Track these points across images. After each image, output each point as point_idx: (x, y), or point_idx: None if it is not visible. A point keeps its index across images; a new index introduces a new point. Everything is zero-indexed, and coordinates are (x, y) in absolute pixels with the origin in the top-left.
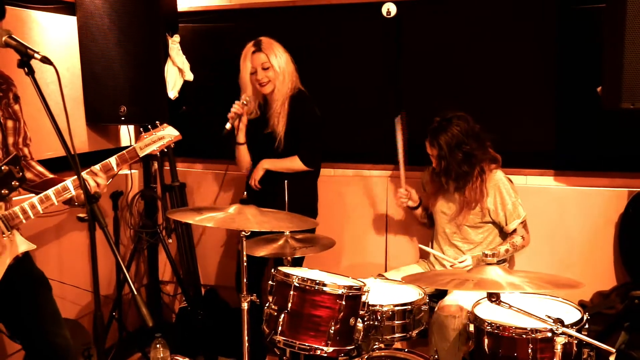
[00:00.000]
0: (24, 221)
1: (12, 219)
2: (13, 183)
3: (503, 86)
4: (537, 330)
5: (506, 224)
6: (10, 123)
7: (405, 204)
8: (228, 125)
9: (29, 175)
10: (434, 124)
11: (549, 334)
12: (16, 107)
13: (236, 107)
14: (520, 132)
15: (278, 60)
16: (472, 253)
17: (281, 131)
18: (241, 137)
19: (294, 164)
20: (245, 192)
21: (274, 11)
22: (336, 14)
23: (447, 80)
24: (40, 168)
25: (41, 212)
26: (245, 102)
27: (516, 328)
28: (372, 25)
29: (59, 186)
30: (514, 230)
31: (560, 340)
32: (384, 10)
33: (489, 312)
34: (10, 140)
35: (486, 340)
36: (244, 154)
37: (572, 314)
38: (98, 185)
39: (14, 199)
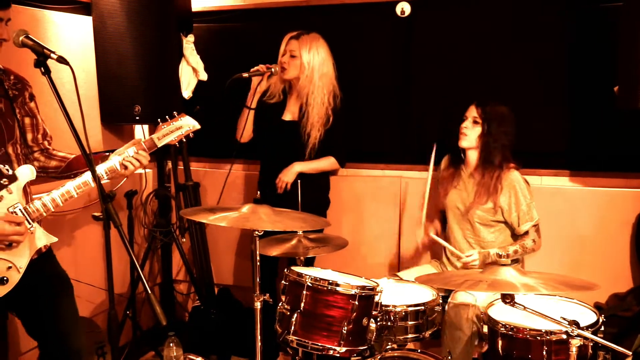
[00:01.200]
0: (45, 214)
1: (33, 212)
2: (2, 180)
3: (517, 86)
4: (551, 332)
5: (518, 225)
6: (27, 120)
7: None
8: (245, 74)
9: (54, 163)
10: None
11: (564, 336)
12: (32, 104)
13: (260, 66)
14: (535, 133)
15: (310, 56)
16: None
17: (314, 141)
18: (253, 102)
19: (330, 164)
20: (258, 192)
21: (288, 11)
22: (350, 13)
23: (460, 80)
24: (62, 154)
25: (61, 204)
26: (272, 70)
27: (530, 330)
28: (385, 24)
29: (79, 181)
30: (526, 233)
31: (575, 343)
32: (398, 10)
33: (502, 314)
34: (29, 136)
35: (500, 342)
36: (249, 121)
37: (587, 316)
38: (140, 163)
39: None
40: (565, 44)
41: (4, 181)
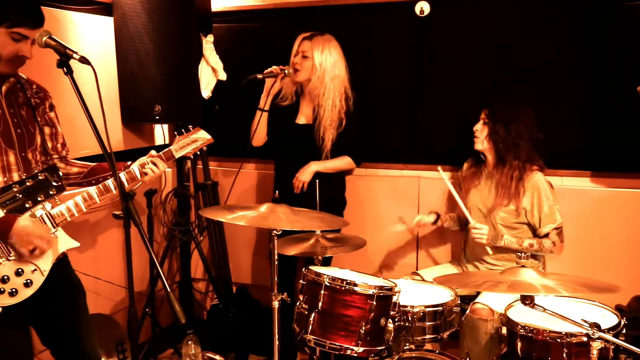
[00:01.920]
0: (68, 219)
1: (57, 216)
2: (51, 191)
3: (538, 85)
4: (572, 335)
5: (539, 227)
6: (47, 129)
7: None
8: (259, 75)
9: (75, 169)
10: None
11: (585, 339)
12: (52, 114)
13: (274, 68)
14: (556, 133)
15: (322, 58)
16: (503, 256)
17: (328, 143)
18: (264, 103)
19: (346, 164)
20: (277, 191)
21: (306, 10)
22: (368, 13)
23: (480, 80)
24: (81, 162)
25: (85, 210)
26: (286, 71)
27: (550, 332)
28: (403, 24)
29: (100, 186)
30: (547, 235)
31: (596, 345)
32: (417, 9)
33: (522, 315)
34: (49, 144)
35: (519, 344)
36: (262, 123)
37: (608, 319)
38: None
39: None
40: (587, 43)
41: (52, 191)
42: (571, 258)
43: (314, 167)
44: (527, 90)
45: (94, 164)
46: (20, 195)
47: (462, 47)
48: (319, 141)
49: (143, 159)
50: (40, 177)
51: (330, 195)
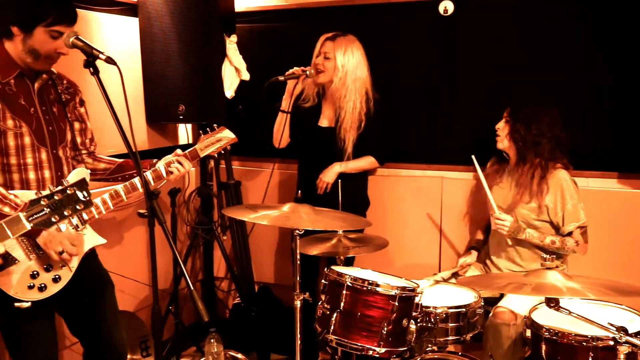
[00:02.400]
0: (96, 216)
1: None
2: (78, 206)
3: (564, 86)
4: (598, 338)
5: (563, 225)
6: (77, 125)
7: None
8: (281, 77)
9: (102, 165)
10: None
11: (611, 343)
12: (82, 110)
13: (296, 69)
14: (582, 133)
15: (344, 59)
16: (526, 254)
17: (349, 145)
18: (287, 105)
19: (369, 164)
20: (299, 191)
21: (329, 10)
22: (391, 12)
23: (503, 80)
24: (108, 158)
25: (112, 207)
26: (307, 72)
27: (576, 335)
28: (427, 23)
29: (127, 184)
30: (570, 234)
31: (623, 350)
32: (440, 9)
33: (546, 318)
34: (78, 140)
35: (544, 347)
36: (283, 123)
37: (636, 323)
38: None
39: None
40: (612, 43)
41: (79, 206)
42: (597, 260)
43: (337, 168)
44: (552, 90)
45: (121, 160)
46: (48, 210)
47: (486, 46)
48: (340, 143)
49: (169, 158)
50: (69, 192)
51: (353, 195)
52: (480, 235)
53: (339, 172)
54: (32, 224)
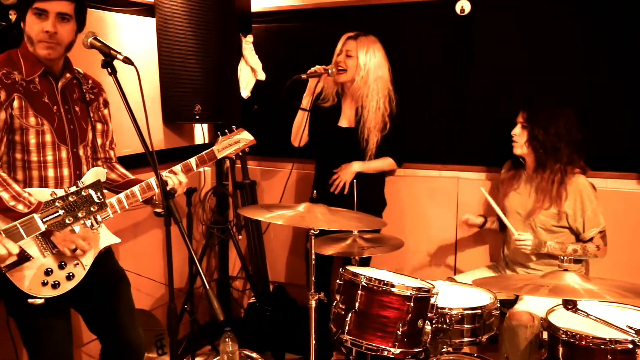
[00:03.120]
0: (111, 215)
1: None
2: (92, 207)
3: (581, 85)
4: (616, 341)
5: (583, 231)
6: (99, 126)
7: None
8: (303, 75)
9: (113, 176)
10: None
11: (630, 346)
12: (105, 111)
13: (317, 67)
14: (601, 133)
15: (366, 58)
16: (544, 261)
17: (373, 146)
18: (308, 103)
19: (388, 165)
20: (315, 191)
21: (345, 10)
22: (407, 12)
23: (520, 80)
24: (122, 170)
25: (127, 207)
26: (329, 71)
27: (594, 338)
28: (444, 23)
29: (143, 183)
30: (590, 239)
31: None
32: (457, 8)
33: (563, 320)
34: (99, 141)
35: (561, 349)
36: (303, 122)
37: None
38: (180, 183)
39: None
40: (630, 42)
41: (93, 208)
42: (616, 262)
43: (356, 166)
44: (569, 90)
45: (133, 177)
46: (63, 212)
47: (503, 47)
48: (362, 143)
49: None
50: (83, 193)
51: (370, 195)
52: (493, 225)
53: (357, 172)
54: (46, 226)
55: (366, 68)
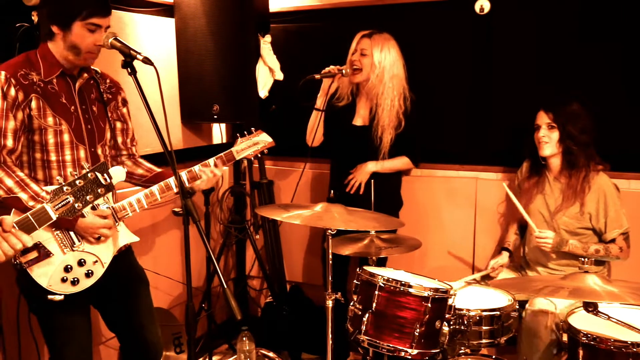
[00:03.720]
0: (130, 214)
1: (119, 211)
2: (99, 190)
3: (602, 84)
4: (638, 344)
5: (605, 232)
6: (118, 124)
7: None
8: (317, 76)
9: (140, 171)
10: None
11: None
12: (124, 110)
13: (332, 67)
14: (622, 133)
15: (381, 56)
16: (564, 259)
17: (387, 144)
18: (322, 103)
19: (404, 164)
20: (332, 191)
21: (364, 10)
22: (426, 11)
23: (540, 80)
24: (148, 164)
25: (146, 206)
26: (343, 71)
27: (615, 341)
28: (462, 22)
29: (162, 184)
30: (613, 240)
31: None
32: (477, 7)
33: (584, 322)
34: (119, 139)
35: (581, 352)
36: (317, 122)
37: None
38: (214, 175)
39: (118, 192)
40: None
41: (100, 190)
42: (638, 264)
43: (371, 166)
44: (591, 89)
45: (160, 169)
46: (72, 198)
47: (522, 46)
48: (376, 141)
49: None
50: (90, 176)
51: (386, 195)
52: (512, 236)
53: (373, 172)
54: (57, 214)
55: (381, 66)
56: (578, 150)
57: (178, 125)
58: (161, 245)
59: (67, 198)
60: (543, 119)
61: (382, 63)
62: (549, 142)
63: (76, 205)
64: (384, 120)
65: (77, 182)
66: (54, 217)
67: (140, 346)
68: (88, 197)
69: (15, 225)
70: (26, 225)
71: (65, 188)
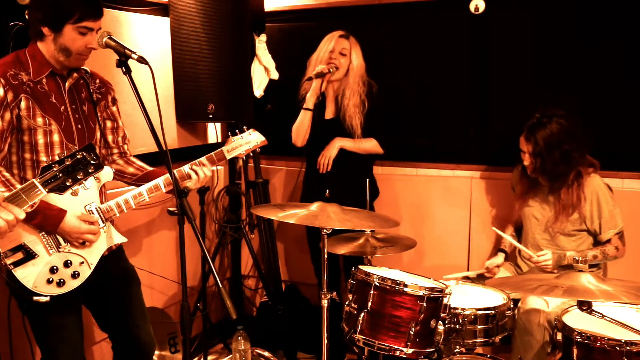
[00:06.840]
0: (117, 215)
1: (107, 212)
2: (89, 169)
3: (596, 83)
4: (632, 343)
5: (601, 233)
6: (109, 123)
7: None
8: (313, 75)
9: (131, 170)
10: (533, 120)
11: None
12: (114, 108)
13: (323, 67)
14: (616, 132)
15: (357, 57)
16: (564, 241)
17: (358, 128)
18: (312, 103)
19: (372, 146)
20: (327, 190)
21: (359, 9)
22: (422, 11)
23: (536, 79)
24: (140, 163)
25: (134, 207)
26: (331, 70)
27: (609, 339)
28: (458, 22)
29: (151, 184)
30: (608, 241)
31: None
32: (472, 7)
33: (578, 321)
34: (110, 138)
35: (575, 351)
36: (308, 122)
37: None
38: (205, 175)
39: (108, 192)
40: None
41: (90, 169)
42: (633, 263)
43: (339, 142)
44: (586, 89)
45: (151, 168)
46: (61, 174)
47: (519, 45)
48: (348, 129)
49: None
50: (78, 156)
51: (357, 181)
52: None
53: (341, 147)
54: (47, 189)
55: (357, 67)
56: (566, 168)
57: (173, 125)
58: (156, 244)
59: (56, 175)
60: (525, 146)
61: (358, 64)
62: (533, 167)
63: (66, 182)
64: (350, 109)
65: (66, 160)
66: (44, 191)
67: (132, 345)
68: (78, 175)
69: (6, 200)
70: (17, 200)
71: (53, 166)
